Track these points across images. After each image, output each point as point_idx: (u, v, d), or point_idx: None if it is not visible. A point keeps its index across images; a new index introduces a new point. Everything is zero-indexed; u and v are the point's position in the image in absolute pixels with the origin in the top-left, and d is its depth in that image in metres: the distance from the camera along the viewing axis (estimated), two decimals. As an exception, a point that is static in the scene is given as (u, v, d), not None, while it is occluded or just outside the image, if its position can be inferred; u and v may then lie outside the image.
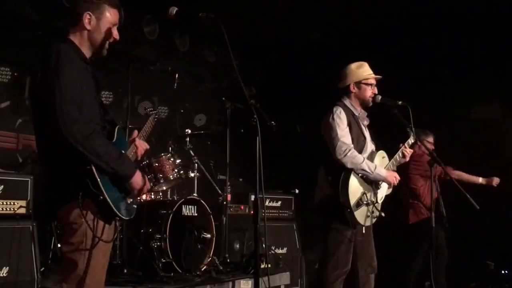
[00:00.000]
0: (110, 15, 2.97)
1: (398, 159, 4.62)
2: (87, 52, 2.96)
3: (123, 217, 2.87)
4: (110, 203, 2.75)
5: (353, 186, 4.31)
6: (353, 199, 4.28)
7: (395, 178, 4.46)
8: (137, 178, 2.90)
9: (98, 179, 2.71)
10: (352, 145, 4.34)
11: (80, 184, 2.71)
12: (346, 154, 4.28)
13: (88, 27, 2.92)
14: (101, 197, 2.72)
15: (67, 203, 2.77)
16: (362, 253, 4.49)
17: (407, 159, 4.71)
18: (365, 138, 4.51)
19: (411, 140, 4.69)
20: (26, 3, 5.64)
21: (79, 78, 2.78)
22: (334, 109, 4.45)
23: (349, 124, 4.41)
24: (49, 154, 2.83)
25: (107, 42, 3.00)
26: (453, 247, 6.28)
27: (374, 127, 4.68)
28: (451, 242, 6.20)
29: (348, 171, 4.31)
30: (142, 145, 3.23)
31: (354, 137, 4.42)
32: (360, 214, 4.32)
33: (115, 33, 3.01)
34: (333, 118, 4.39)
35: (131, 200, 2.96)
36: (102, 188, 2.72)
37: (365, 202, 4.34)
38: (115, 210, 2.78)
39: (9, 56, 5.90)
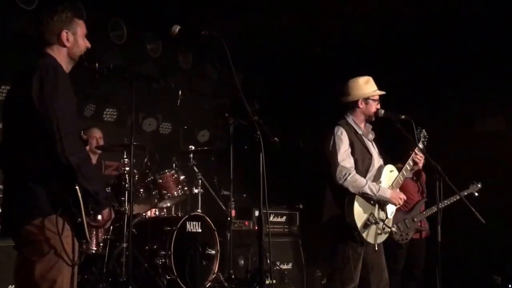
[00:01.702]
0: (80, 27, 3.03)
1: (409, 167, 4.55)
2: (66, 68, 2.97)
3: (89, 240, 2.90)
4: (85, 226, 2.76)
5: (358, 209, 4.25)
6: (359, 221, 4.23)
7: (400, 199, 4.37)
8: (109, 211, 2.90)
9: (81, 201, 2.72)
10: (352, 169, 4.28)
11: (59, 201, 2.70)
12: (346, 179, 4.23)
13: (67, 44, 2.97)
14: (79, 219, 2.73)
15: (38, 218, 2.71)
16: (374, 268, 4.42)
17: (421, 165, 4.64)
18: (371, 155, 4.44)
19: (421, 145, 4.61)
20: (28, 22, 5.67)
21: (72, 98, 2.82)
22: (335, 129, 4.40)
23: (352, 144, 4.35)
24: (24, 165, 2.76)
25: (83, 52, 3.06)
26: (460, 261, 6.22)
27: (379, 140, 4.66)
28: (457, 256, 6.14)
29: (352, 194, 4.25)
30: None
31: (359, 157, 4.36)
32: (369, 234, 4.28)
33: (87, 42, 3.07)
34: (334, 141, 4.34)
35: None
36: (83, 211, 2.74)
37: (373, 221, 4.28)
38: (87, 233, 2.79)
39: (12, 74, 5.91)
